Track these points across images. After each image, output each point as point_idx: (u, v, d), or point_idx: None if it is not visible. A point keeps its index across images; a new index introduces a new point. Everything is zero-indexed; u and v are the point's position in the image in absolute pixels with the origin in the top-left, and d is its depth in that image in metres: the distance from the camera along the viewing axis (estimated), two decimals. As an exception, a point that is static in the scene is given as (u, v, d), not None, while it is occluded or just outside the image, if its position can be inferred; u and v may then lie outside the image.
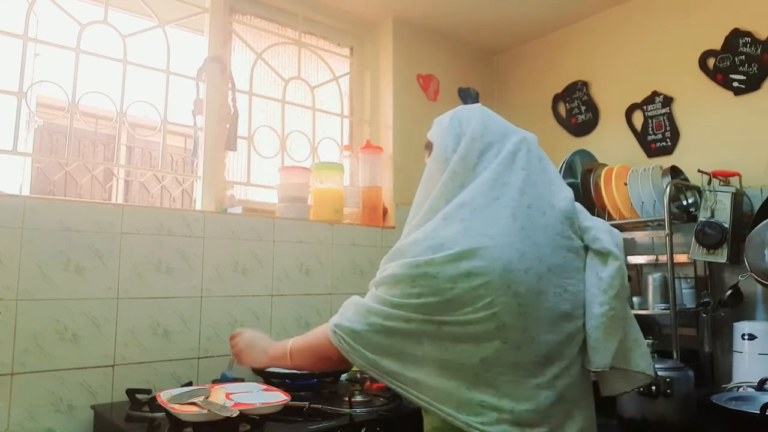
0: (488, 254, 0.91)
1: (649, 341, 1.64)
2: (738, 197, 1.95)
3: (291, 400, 1.51)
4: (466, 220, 0.96)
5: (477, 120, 1.08)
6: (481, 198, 0.98)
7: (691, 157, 2.21)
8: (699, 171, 2.03)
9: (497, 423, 0.91)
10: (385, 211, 2.58)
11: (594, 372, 0.99)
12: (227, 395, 1.49)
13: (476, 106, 1.15)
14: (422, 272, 0.93)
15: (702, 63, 2.22)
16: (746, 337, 1.84)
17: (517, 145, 1.05)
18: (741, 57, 2.11)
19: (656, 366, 1.58)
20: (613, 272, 0.97)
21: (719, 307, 1.95)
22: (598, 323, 0.96)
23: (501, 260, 0.91)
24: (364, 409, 1.62)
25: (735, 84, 2.13)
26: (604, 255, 0.99)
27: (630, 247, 2.35)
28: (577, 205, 1.08)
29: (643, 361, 1.01)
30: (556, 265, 0.96)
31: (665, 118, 2.33)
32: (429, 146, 1.15)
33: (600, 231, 1.02)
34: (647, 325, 2.18)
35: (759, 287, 1.94)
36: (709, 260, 1.96)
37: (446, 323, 0.92)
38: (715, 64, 2.19)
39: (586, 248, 1.03)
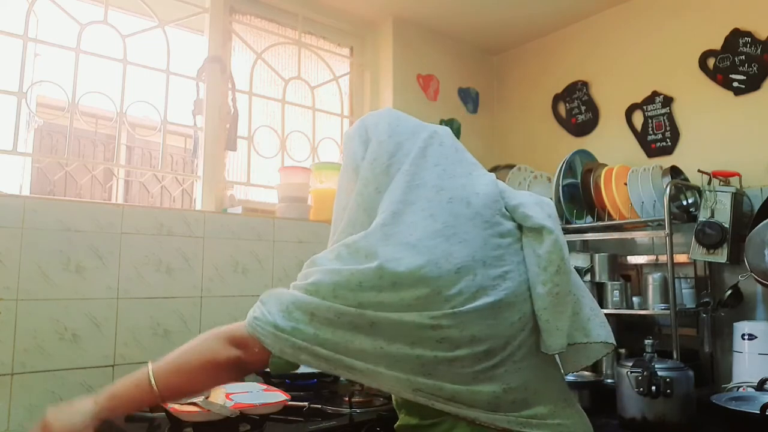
0: (412, 262, 0.86)
1: (649, 341, 1.64)
2: (738, 197, 1.95)
3: (291, 400, 1.52)
4: (386, 232, 0.91)
5: (383, 123, 1.05)
6: (397, 204, 0.94)
7: (691, 157, 2.21)
8: (699, 171, 2.03)
9: (443, 402, 0.89)
10: (385, 211, 2.57)
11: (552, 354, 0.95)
12: (227, 395, 1.49)
13: (384, 110, 1.11)
14: (344, 280, 0.88)
15: (702, 63, 2.22)
16: (746, 337, 1.84)
17: (426, 140, 1.02)
18: (741, 57, 2.11)
19: (656, 366, 1.58)
20: (550, 247, 0.92)
21: (719, 307, 1.95)
22: (545, 303, 0.91)
23: (426, 267, 0.86)
24: (364, 409, 1.61)
25: (735, 84, 2.13)
26: (537, 231, 0.94)
27: (630, 247, 2.35)
28: (501, 184, 1.03)
29: (603, 330, 0.97)
30: (490, 257, 0.91)
31: (665, 118, 2.33)
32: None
33: (528, 207, 0.97)
34: (647, 325, 2.18)
35: (759, 287, 1.94)
36: (709, 260, 1.96)
37: (376, 326, 0.87)
38: (715, 64, 2.19)
39: (521, 227, 0.98)
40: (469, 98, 2.94)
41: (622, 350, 1.98)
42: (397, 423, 1.05)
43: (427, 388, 0.88)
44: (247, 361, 0.93)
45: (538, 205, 0.98)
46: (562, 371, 1.04)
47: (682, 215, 2.07)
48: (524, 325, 0.92)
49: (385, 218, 0.93)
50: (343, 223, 1.02)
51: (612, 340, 0.97)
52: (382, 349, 0.87)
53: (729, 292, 1.94)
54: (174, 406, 1.38)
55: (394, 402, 1.07)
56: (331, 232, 1.06)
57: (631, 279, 2.27)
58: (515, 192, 1.03)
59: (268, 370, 1.42)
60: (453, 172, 0.99)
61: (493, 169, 2.70)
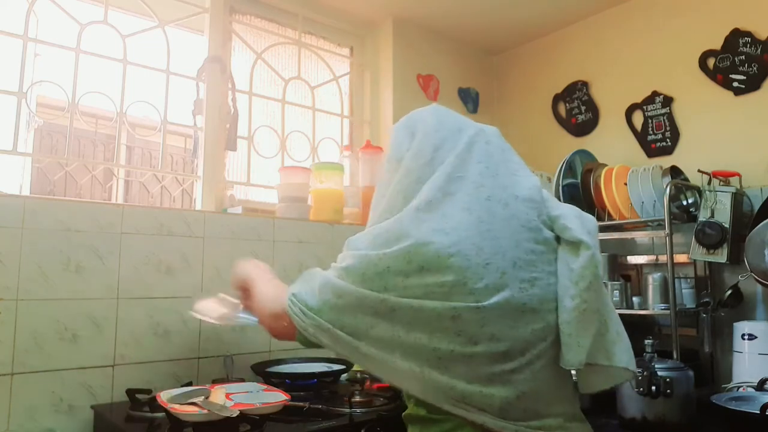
0: (441, 248, 0.88)
1: (649, 341, 1.64)
2: (738, 197, 1.95)
3: (291, 400, 1.52)
4: (420, 216, 0.92)
5: (431, 117, 1.05)
6: (436, 193, 0.94)
7: (691, 157, 2.21)
8: (699, 171, 2.03)
9: (452, 403, 0.89)
10: (385, 211, 2.57)
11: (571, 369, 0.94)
12: (227, 395, 1.49)
13: (431, 106, 1.12)
14: (372, 264, 0.90)
15: (702, 63, 2.22)
16: (746, 337, 1.84)
17: (472, 137, 1.01)
18: (741, 57, 2.11)
19: (656, 366, 1.58)
20: (585, 262, 0.91)
21: (719, 307, 1.95)
22: (570, 317, 0.90)
23: (455, 255, 0.87)
24: (364, 409, 1.61)
25: (735, 84, 2.13)
26: (575, 245, 0.93)
27: (630, 247, 2.35)
28: (546, 192, 1.03)
29: (625, 355, 0.96)
30: (521, 259, 0.91)
31: (665, 118, 2.33)
32: None
33: (569, 219, 0.96)
34: (647, 325, 2.18)
35: (759, 287, 1.94)
36: (709, 260, 1.96)
37: (398, 312, 0.88)
38: (715, 64, 2.19)
39: (559, 238, 0.97)
40: (469, 98, 2.94)
41: (622, 350, 1.98)
42: (405, 412, 1.04)
43: (439, 386, 0.88)
44: (281, 331, 1.01)
45: (579, 219, 0.98)
46: (580, 389, 1.03)
47: (682, 215, 2.07)
48: (546, 335, 0.92)
49: (419, 204, 0.94)
50: (380, 209, 1.02)
51: (633, 367, 0.96)
52: (399, 337, 0.88)
53: (729, 292, 1.94)
54: (174, 406, 1.38)
55: (404, 391, 1.05)
56: (369, 220, 1.06)
57: (631, 279, 2.27)
58: (558, 203, 1.03)
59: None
60: (496, 171, 0.99)
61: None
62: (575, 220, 0.97)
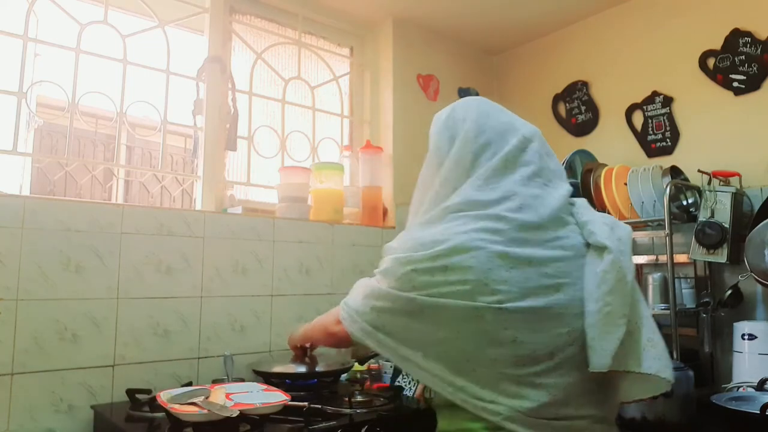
0: (466, 251, 0.91)
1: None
2: (738, 197, 1.95)
3: (291, 400, 1.51)
4: (449, 222, 0.97)
5: (472, 119, 1.05)
6: (469, 201, 0.98)
7: (691, 157, 2.21)
8: (699, 171, 2.03)
9: (477, 409, 0.91)
10: (385, 211, 2.58)
11: (598, 373, 0.93)
12: (227, 395, 1.49)
13: (475, 102, 1.11)
14: (403, 266, 0.96)
15: (702, 63, 2.22)
16: (746, 337, 1.84)
17: (516, 146, 1.02)
18: (741, 57, 2.11)
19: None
20: (607, 266, 0.93)
21: (719, 307, 1.95)
22: (594, 321, 0.92)
23: (478, 257, 0.90)
24: (364, 409, 1.62)
25: (735, 84, 2.13)
26: (599, 249, 0.96)
27: (630, 247, 2.34)
28: (580, 200, 1.05)
29: (656, 363, 0.93)
30: (549, 265, 0.93)
31: (665, 118, 2.33)
32: None
33: (596, 225, 0.99)
34: (647, 325, 2.18)
35: (759, 287, 1.94)
36: (709, 260, 1.96)
37: (426, 311, 0.93)
38: (715, 64, 2.19)
39: (588, 245, 0.99)
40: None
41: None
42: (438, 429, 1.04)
43: (467, 387, 0.91)
44: (340, 337, 1.08)
45: (608, 225, 1.00)
46: (621, 398, 1.02)
47: (682, 215, 2.07)
48: (573, 340, 0.93)
49: (450, 206, 0.99)
50: (420, 212, 1.06)
51: (666, 375, 0.93)
52: (429, 336, 0.93)
53: (729, 292, 1.94)
54: (174, 406, 1.38)
55: (434, 403, 1.06)
56: (410, 217, 1.10)
57: (631, 279, 2.27)
58: (591, 210, 1.05)
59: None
60: (530, 180, 1.01)
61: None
62: (603, 227, 0.99)
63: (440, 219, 0.98)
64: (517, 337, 0.90)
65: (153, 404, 1.53)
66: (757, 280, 1.81)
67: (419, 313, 0.94)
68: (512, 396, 0.90)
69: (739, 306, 1.95)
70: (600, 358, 0.91)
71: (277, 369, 1.85)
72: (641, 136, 2.41)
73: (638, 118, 2.43)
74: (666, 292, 1.95)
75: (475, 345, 0.91)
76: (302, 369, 1.76)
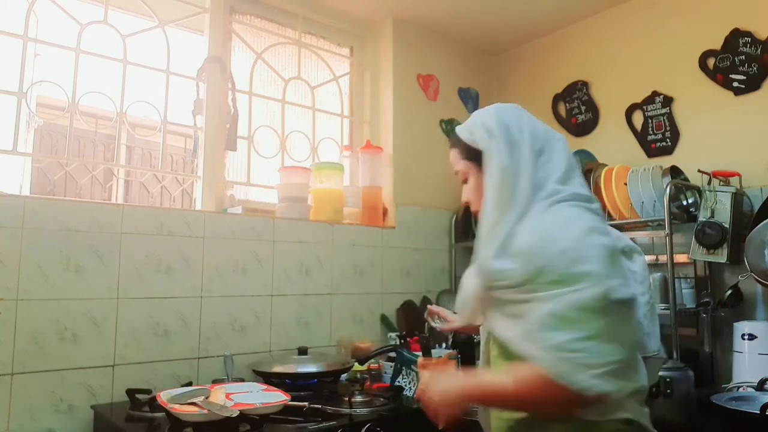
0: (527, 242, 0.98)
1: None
2: (738, 197, 1.95)
3: (291, 400, 1.51)
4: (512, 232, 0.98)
5: (526, 125, 1.06)
6: (571, 208, 0.99)
7: (691, 157, 2.21)
8: (699, 171, 2.03)
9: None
10: (385, 211, 2.57)
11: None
12: (227, 395, 1.49)
13: (511, 108, 1.11)
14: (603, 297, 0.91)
15: (702, 63, 2.22)
16: (746, 337, 1.84)
17: (562, 149, 1.06)
18: (741, 57, 2.11)
19: (656, 366, 1.59)
20: (642, 266, 1.11)
21: (719, 307, 1.95)
22: (646, 311, 1.09)
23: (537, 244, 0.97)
24: (364, 409, 1.62)
25: (735, 84, 2.13)
26: (627, 252, 1.10)
27: (630, 247, 2.35)
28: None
29: (656, 344, 1.15)
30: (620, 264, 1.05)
31: (665, 118, 2.33)
32: (457, 144, 1.12)
33: (617, 232, 1.15)
34: (647, 325, 2.18)
35: (759, 287, 1.94)
36: (709, 260, 1.96)
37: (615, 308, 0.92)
38: (715, 64, 2.19)
39: None
40: (469, 98, 2.94)
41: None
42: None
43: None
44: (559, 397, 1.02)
45: (624, 239, 1.16)
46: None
47: (682, 215, 2.07)
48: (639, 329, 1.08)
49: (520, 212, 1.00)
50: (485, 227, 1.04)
51: (661, 352, 1.20)
52: (617, 331, 0.93)
53: (729, 292, 1.94)
54: (174, 406, 1.38)
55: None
56: (488, 226, 1.03)
57: (631, 279, 2.27)
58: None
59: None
60: (575, 178, 1.06)
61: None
62: (622, 236, 1.16)
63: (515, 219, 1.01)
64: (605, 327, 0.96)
65: (153, 404, 1.53)
66: (757, 280, 1.81)
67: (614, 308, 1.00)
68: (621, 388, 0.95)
69: (739, 306, 1.95)
70: (655, 342, 1.12)
71: (277, 369, 1.85)
72: (641, 136, 2.41)
73: (638, 118, 2.43)
74: (666, 292, 1.95)
75: (638, 338, 1.07)
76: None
